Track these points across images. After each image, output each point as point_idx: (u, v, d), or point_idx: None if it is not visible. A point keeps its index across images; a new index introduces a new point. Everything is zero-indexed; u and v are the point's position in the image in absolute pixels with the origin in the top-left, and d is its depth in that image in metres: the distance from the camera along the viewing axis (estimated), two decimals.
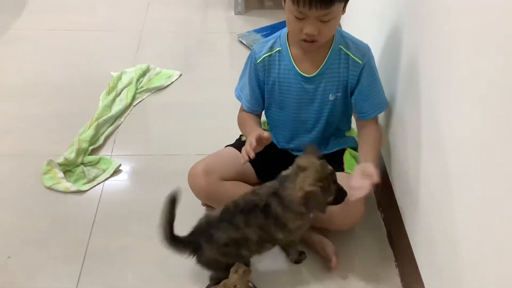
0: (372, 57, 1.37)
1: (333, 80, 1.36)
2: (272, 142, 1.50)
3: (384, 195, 1.53)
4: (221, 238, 1.22)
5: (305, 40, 1.25)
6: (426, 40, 1.21)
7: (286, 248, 1.39)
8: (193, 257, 1.27)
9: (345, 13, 1.26)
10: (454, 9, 1.05)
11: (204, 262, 1.28)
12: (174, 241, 1.22)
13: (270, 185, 1.25)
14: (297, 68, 1.36)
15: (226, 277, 1.20)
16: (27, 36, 2.40)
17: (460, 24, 1.02)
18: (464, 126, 1.00)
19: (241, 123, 1.50)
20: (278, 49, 1.37)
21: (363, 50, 1.35)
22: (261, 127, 1.47)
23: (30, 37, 2.39)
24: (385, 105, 1.44)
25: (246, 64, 1.43)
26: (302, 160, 1.21)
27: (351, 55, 1.34)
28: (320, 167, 1.18)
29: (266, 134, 1.27)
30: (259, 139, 1.27)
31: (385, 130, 1.53)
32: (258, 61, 1.38)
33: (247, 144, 1.29)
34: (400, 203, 1.41)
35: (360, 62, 1.34)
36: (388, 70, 1.49)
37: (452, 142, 1.06)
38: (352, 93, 1.38)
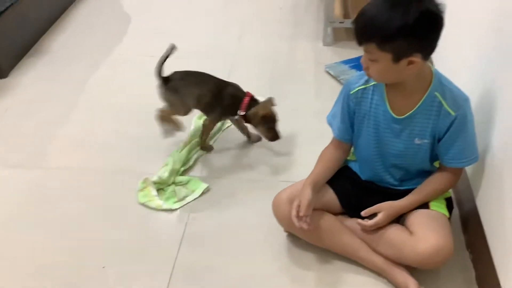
0: (469, 109, 1.30)
1: (421, 126, 1.33)
2: (355, 173, 1.51)
3: (474, 236, 1.47)
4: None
5: None
6: None
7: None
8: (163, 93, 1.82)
9: (409, 70, 1.20)
10: None
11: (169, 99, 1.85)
12: (160, 75, 1.81)
13: None
14: (387, 106, 1.34)
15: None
16: (130, 60, 2.57)
17: None
18: None
19: (318, 159, 1.51)
20: (373, 83, 1.36)
21: (460, 102, 1.29)
22: (334, 166, 1.50)
23: (133, 61, 2.56)
24: (469, 161, 1.36)
25: (340, 93, 1.45)
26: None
27: (444, 105, 1.28)
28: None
29: (303, 207, 1.35)
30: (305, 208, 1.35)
31: (481, 170, 1.46)
32: (351, 92, 1.39)
33: (294, 206, 1.36)
34: (492, 245, 1.35)
35: (453, 113, 1.28)
36: (485, 117, 1.43)
37: None
38: (439, 141, 1.35)
